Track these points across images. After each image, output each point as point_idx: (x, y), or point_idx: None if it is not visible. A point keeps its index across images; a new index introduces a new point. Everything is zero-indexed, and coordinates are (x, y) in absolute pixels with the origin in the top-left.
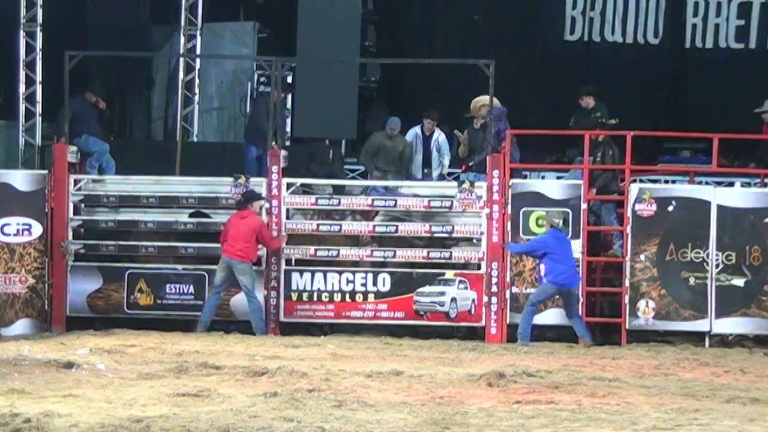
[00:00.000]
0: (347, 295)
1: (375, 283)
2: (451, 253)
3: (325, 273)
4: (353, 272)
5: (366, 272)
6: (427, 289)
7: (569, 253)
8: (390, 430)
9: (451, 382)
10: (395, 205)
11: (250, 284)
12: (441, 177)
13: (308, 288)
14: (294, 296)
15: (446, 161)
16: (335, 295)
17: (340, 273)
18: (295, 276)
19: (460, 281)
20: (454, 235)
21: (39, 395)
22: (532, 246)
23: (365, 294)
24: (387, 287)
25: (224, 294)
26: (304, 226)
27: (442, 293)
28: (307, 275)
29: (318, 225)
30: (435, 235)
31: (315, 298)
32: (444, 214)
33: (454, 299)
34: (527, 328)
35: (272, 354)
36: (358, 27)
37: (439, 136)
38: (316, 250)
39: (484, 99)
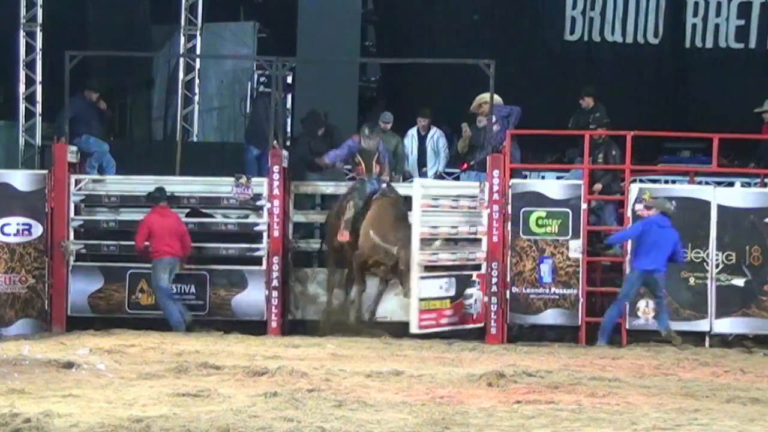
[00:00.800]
0: (438, 302)
1: (448, 288)
2: (476, 254)
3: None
4: (439, 277)
5: (446, 277)
6: (467, 291)
7: (665, 241)
8: (390, 430)
9: (451, 382)
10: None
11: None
12: (439, 176)
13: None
14: (423, 305)
15: (442, 160)
16: (436, 302)
17: (437, 278)
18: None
19: (477, 282)
20: (478, 235)
21: (39, 395)
22: (633, 231)
23: (444, 299)
24: (453, 291)
25: (225, 293)
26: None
27: (472, 295)
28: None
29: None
30: (471, 236)
31: (431, 307)
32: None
33: (476, 300)
34: (608, 325)
35: (272, 354)
36: (358, 27)
37: (434, 134)
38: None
39: (486, 97)
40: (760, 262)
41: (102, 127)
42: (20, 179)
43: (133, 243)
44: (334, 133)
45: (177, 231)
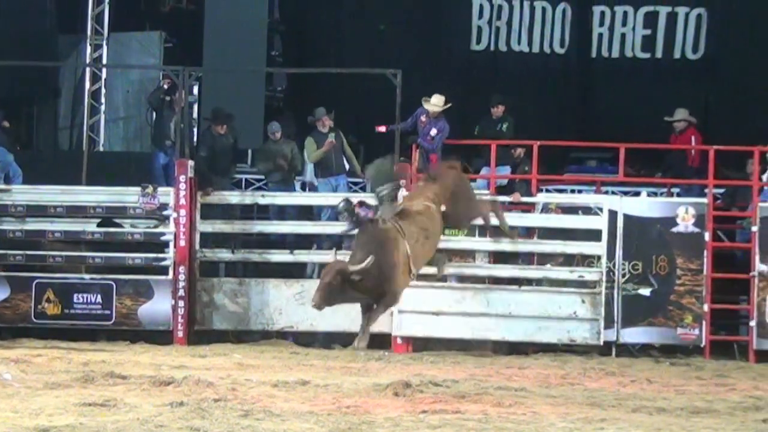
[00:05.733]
0: None
1: None
2: None
3: None
4: None
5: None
6: None
7: None
8: None
9: (357, 391)
10: None
11: None
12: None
13: None
14: None
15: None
16: None
17: None
18: None
19: None
20: None
21: None
22: None
23: None
24: None
25: (131, 303)
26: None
27: None
28: None
29: None
30: None
31: None
32: None
33: None
34: None
35: (179, 364)
36: (264, 37)
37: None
38: None
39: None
40: (666, 271)
41: (6, 137)
42: None
43: (39, 252)
44: (236, 131)
45: None
